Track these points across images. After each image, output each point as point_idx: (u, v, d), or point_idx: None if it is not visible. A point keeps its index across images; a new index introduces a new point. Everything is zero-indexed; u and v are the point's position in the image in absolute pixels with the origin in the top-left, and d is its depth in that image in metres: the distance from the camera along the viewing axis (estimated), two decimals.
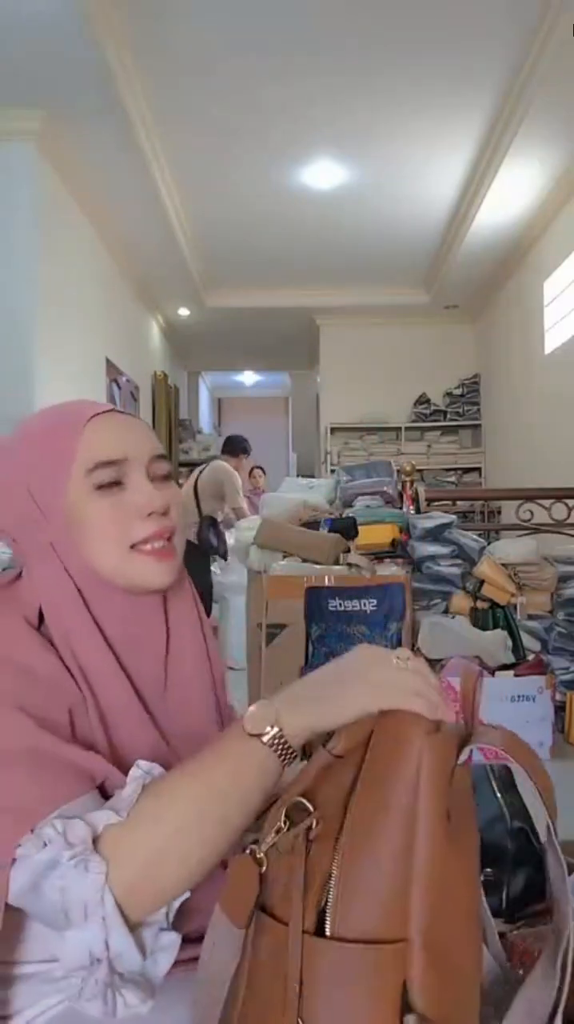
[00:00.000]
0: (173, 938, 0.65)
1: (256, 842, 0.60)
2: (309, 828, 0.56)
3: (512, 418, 6.60)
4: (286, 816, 0.58)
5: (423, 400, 7.78)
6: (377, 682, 0.64)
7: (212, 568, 4.94)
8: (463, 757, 0.62)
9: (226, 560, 4.87)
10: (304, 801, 0.57)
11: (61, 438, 0.78)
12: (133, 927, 0.61)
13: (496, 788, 1.71)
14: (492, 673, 3.11)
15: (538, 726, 2.99)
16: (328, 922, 0.54)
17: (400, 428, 7.74)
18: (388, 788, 0.56)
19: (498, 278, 6.55)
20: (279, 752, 0.64)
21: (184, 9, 3.34)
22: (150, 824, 0.63)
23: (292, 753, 0.65)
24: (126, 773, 0.68)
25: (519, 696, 2.99)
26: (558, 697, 3.21)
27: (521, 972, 0.65)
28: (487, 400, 7.49)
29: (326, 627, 3.15)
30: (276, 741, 0.64)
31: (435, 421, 7.73)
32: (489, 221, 5.40)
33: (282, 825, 0.58)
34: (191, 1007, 0.63)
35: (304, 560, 3.25)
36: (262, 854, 0.58)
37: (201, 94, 4.01)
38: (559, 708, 3.19)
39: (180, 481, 8.02)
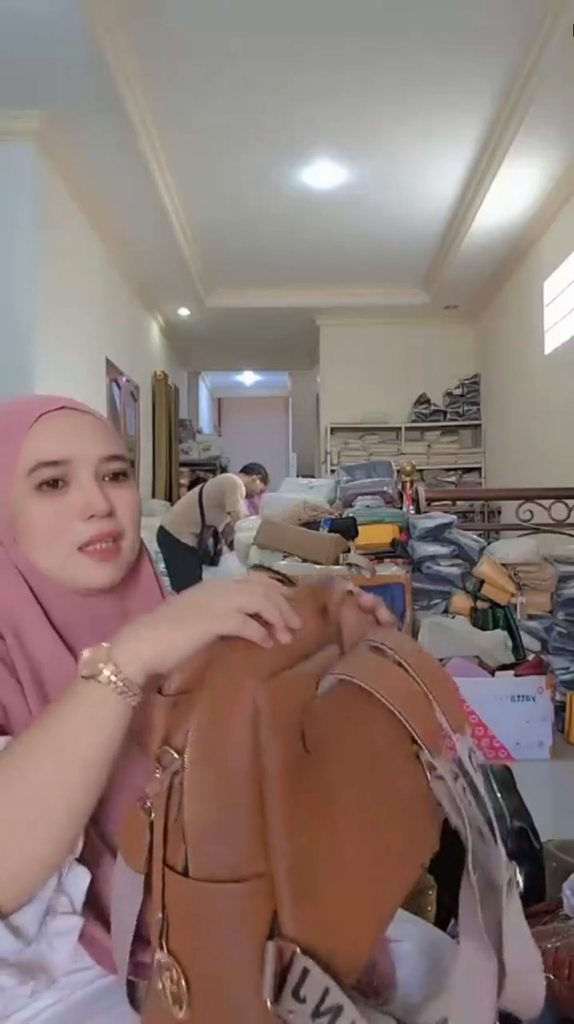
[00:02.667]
0: (74, 922, 0.64)
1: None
2: (174, 773, 0.56)
3: (512, 418, 6.60)
4: (158, 762, 0.57)
5: (423, 400, 7.78)
6: (212, 607, 0.61)
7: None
8: (324, 687, 0.61)
9: (215, 565, 4.91)
10: (169, 750, 0.56)
11: (8, 436, 0.77)
12: (4, 913, 0.59)
13: (496, 788, 1.71)
14: (492, 673, 3.11)
15: (538, 726, 2.99)
16: (190, 863, 0.55)
17: (400, 428, 7.74)
18: (221, 751, 0.56)
19: (498, 278, 6.56)
20: (119, 691, 0.60)
21: (184, 10, 3.34)
22: (2, 780, 0.59)
23: (134, 692, 0.60)
24: None
25: (519, 696, 3.00)
26: (558, 697, 3.22)
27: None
28: (487, 400, 7.49)
29: None
30: (113, 679, 0.60)
31: (435, 421, 7.73)
32: (489, 221, 5.40)
33: (158, 774, 0.57)
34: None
35: (304, 560, 3.26)
36: (149, 803, 0.57)
37: (201, 94, 4.01)
38: (559, 708, 3.20)
39: (182, 482, 8.06)
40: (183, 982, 0.54)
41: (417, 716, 0.64)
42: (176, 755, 0.56)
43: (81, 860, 0.67)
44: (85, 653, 0.61)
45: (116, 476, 0.81)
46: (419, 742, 0.63)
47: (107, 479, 0.80)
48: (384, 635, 0.70)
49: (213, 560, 4.87)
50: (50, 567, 0.77)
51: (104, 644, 0.61)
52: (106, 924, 0.66)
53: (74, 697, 0.61)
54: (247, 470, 5.29)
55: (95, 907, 0.69)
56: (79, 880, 0.66)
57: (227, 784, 0.55)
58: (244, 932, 0.54)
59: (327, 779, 0.58)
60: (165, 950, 0.55)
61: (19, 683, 0.72)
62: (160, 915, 0.56)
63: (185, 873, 0.55)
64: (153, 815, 0.57)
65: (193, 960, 0.55)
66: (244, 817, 0.55)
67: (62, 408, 0.80)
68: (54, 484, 0.77)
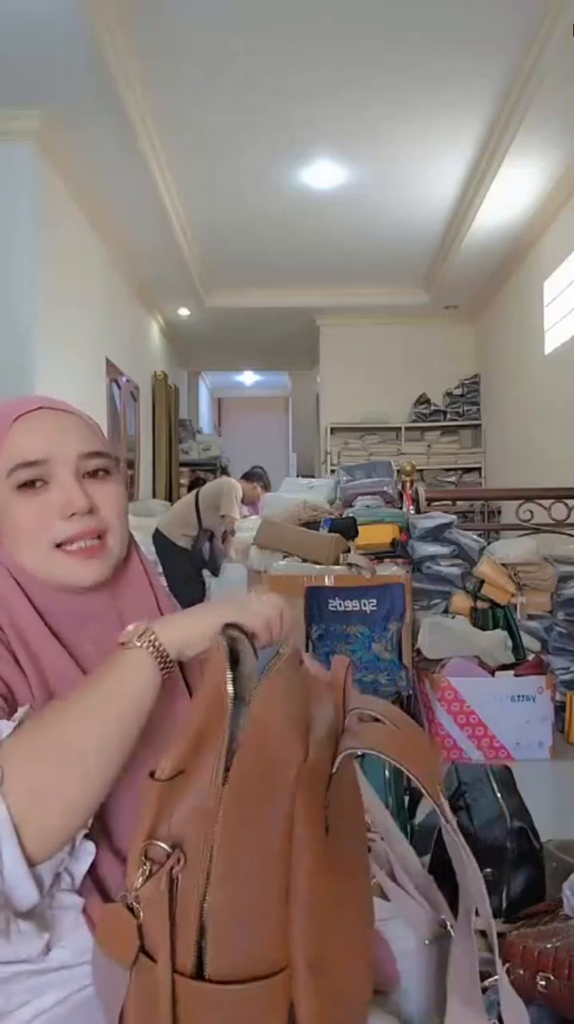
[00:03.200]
0: (74, 900, 0.65)
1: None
2: (171, 868, 0.55)
3: (512, 418, 6.60)
4: (145, 857, 0.56)
5: (423, 400, 7.78)
6: (233, 603, 0.71)
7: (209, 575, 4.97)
8: (338, 763, 0.62)
9: (216, 576, 4.90)
10: (159, 844, 0.55)
11: None
12: (33, 862, 0.60)
13: (496, 788, 1.71)
14: (492, 673, 3.11)
15: (538, 726, 2.99)
16: (206, 962, 0.53)
17: (400, 428, 7.74)
18: (260, 819, 0.55)
19: (498, 278, 6.56)
20: (155, 655, 0.67)
21: (184, 10, 3.34)
22: (38, 735, 0.62)
23: (167, 658, 0.67)
24: None
25: (519, 696, 3.00)
26: (558, 697, 3.22)
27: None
28: (487, 400, 7.49)
29: (326, 627, 3.16)
30: (150, 642, 0.67)
31: (435, 421, 7.73)
32: (489, 221, 5.40)
33: (145, 869, 0.56)
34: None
35: (304, 560, 3.26)
36: (134, 902, 0.56)
37: (201, 94, 4.01)
38: (559, 708, 3.20)
39: (182, 482, 8.06)
40: None
41: (429, 777, 0.64)
42: (169, 849, 0.55)
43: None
44: (128, 627, 0.69)
45: (97, 473, 0.81)
46: (437, 803, 0.63)
47: (88, 476, 0.80)
48: (371, 702, 0.71)
49: (214, 570, 4.86)
50: (34, 567, 0.77)
51: (144, 622, 0.69)
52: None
53: (113, 662, 0.67)
54: (249, 477, 5.25)
55: (100, 891, 0.69)
56: (85, 855, 0.67)
57: (259, 870, 0.54)
58: None
59: (339, 859, 0.58)
60: None
61: (22, 671, 0.73)
62: None
63: (198, 975, 0.53)
64: (142, 916, 0.55)
65: None
66: (272, 906, 0.53)
67: (39, 408, 0.80)
68: (33, 484, 0.77)
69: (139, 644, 0.67)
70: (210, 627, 0.67)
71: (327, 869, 0.56)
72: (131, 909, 0.56)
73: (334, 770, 0.61)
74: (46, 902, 0.63)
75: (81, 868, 0.66)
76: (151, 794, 0.58)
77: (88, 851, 0.67)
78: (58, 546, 0.77)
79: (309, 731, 0.60)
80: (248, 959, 0.53)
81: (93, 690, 0.65)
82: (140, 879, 0.56)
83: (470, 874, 0.63)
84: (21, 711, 0.65)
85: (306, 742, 0.59)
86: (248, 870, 0.54)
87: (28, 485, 0.77)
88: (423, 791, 0.61)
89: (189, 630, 0.68)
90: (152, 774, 0.59)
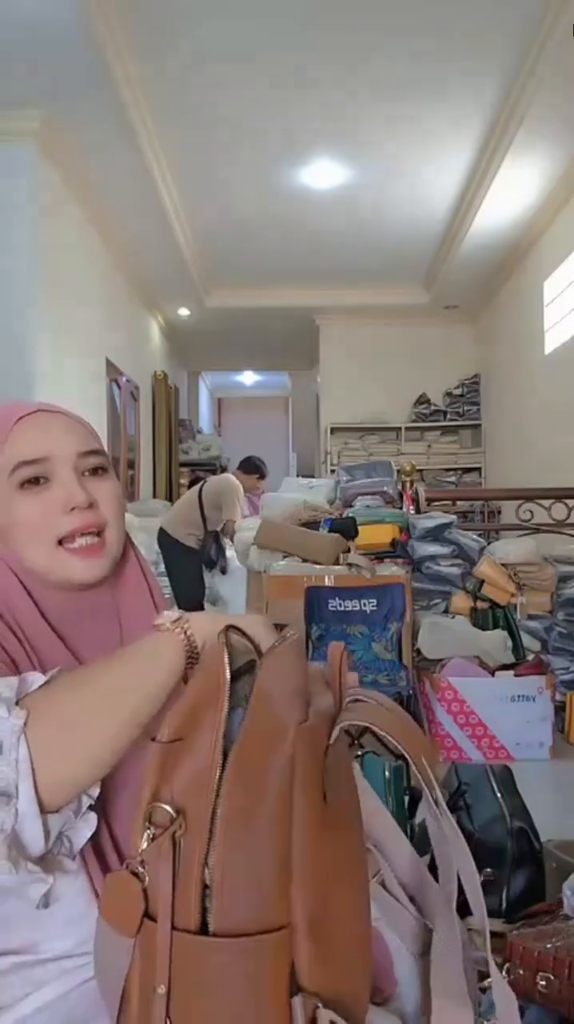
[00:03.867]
0: (71, 865, 0.67)
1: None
2: (174, 832, 0.56)
3: (512, 418, 6.60)
4: (148, 820, 0.58)
5: (423, 400, 7.78)
6: (246, 616, 0.75)
7: (211, 576, 4.97)
8: (334, 736, 0.64)
9: (224, 574, 4.91)
10: (163, 806, 0.58)
11: None
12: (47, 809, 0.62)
13: (496, 788, 1.71)
14: (492, 673, 3.11)
15: (538, 726, 2.99)
16: (210, 919, 0.54)
17: (400, 428, 7.74)
18: (260, 781, 0.56)
19: (498, 278, 6.56)
20: (182, 641, 0.71)
21: (184, 9, 3.34)
22: (66, 691, 0.66)
23: (195, 648, 0.71)
24: None
25: (519, 696, 3.00)
26: (558, 697, 3.22)
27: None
28: (487, 400, 7.49)
29: (326, 627, 3.16)
30: (182, 630, 0.71)
31: (435, 421, 7.73)
32: (489, 221, 5.40)
33: (149, 833, 0.57)
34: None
35: (304, 560, 3.26)
36: (139, 867, 0.58)
37: (201, 94, 4.01)
38: (559, 708, 3.20)
39: (182, 482, 8.06)
40: None
41: (417, 751, 0.66)
42: (173, 812, 0.57)
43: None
44: (165, 612, 0.74)
45: (95, 471, 0.84)
46: (428, 782, 0.65)
47: (87, 474, 0.83)
48: (364, 691, 0.73)
49: (223, 568, 4.86)
50: (37, 564, 0.79)
51: (178, 612, 0.74)
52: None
53: (146, 641, 0.71)
54: (246, 468, 5.23)
55: (102, 863, 0.72)
56: (86, 826, 0.68)
57: (260, 831, 0.55)
58: (266, 991, 0.53)
59: (336, 827, 0.59)
60: None
61: (26, 653, 0.76)
62: (164, 988, 0.54)
63: (201, 932, 0.54)
64: (147, 880, 0.57)
65: None
66: (274, 865, 0.55)
67: (38, 411, 0.83)
68: (35, 481, 0.80)
69: (174, 629, 0.71)
70: (219, 627, 0.71)
71: (325, 834, 0.57)
72: (136, 874, 0.58)
73: (331, 742, 0.62)
74: (49, 858, 0.65)
75: (81, 838, 0.68)
76: (153, 758, 0.61)
77: (90, 822, 0.68)
78: (60, 543, 0.79)
79: (309, 704, 0.63)
80: (250, 918, 0.54)
81: (126, 663, 0.69)
82: (145, 842, 0.57)
83: (459, 854, 0.64)
84: (53, 671, 0.68)
85: (306, 710, 0.61)
86: (249, 832, 0.55)
87: (31, 483, 0.80)
88: (413, 764, 0.63)
89: (212, 627, 0.71)
90: (153, 739, 0.62)
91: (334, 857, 0.59)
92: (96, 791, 0.68)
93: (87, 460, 0.83)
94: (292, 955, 0.54)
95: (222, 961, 0.53)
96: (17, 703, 0.63)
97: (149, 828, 0.57)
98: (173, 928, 0.55)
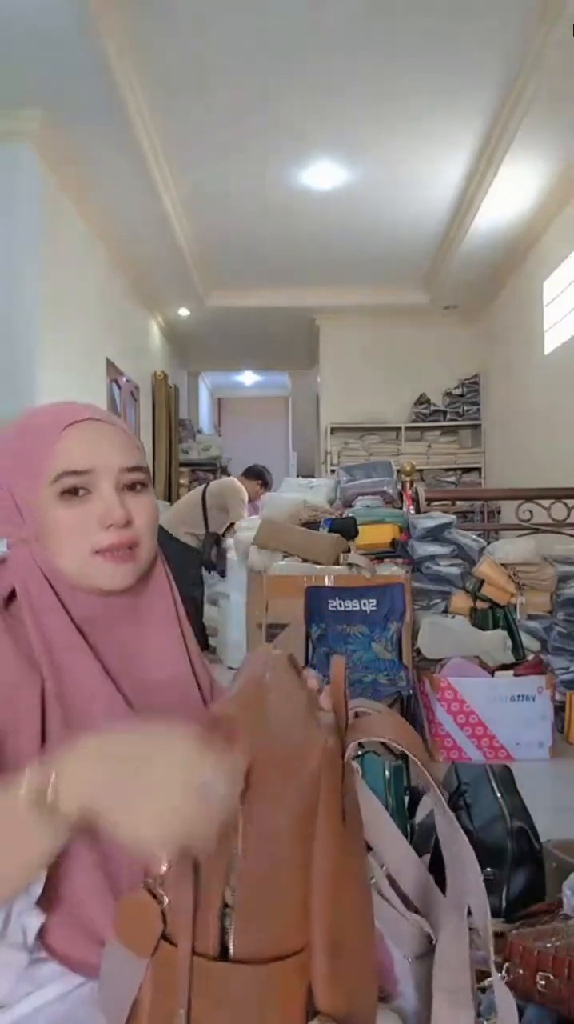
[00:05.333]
0: (19, 959, 0.66)
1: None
2: (196, 855, 0.56)
3: (512, 418, 6.60)
4: None
5: (423, 400, 7.78)
6: (167, 809, 0.53)
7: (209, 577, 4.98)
8: (349, 754, 0.64)
9: (223, 577, 4.91)
10: None
11: (39, 443, 0.81)
12: None
13: (496, 788, 1.71)
14: (492, 673, 3.12)
15: (538, 726, 2.99)
16: (231, 943, 0.54)
17: (400, 428, 7.74)
18: (282, 803, 0.55)
19: (498, 278, 6.56)
20: (49, 822, 0.55)
21: (184, 9, 3.34)
22: None
23: (65, 826, 0.56)
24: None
25: (519, 696, 3.00)
26: (558, 697, 3.22)
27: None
28: (487, 400, 7.49)
29: (326, 627, 3.16)
30: (47, 808, 0.55)
31: (435, 421, 7.73)
32: (489, 221, 5.40)
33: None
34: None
35: (304, 560, 3.26)
36: (157, 887, 0.57)
37: (201, 94, 4.01)
38: (559, 708, 3.20)
39: (182, 482, 8.06)
40: None
41: (415, 747, 0.67)
42: None
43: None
44: (28, 771, 0.56)
45: (135, 486, 0.84)
46: (436, 787, 0.66)
47: (126, 489, 0.84)
48: (361, 703, 0.73)
49: (221, 572, 4.87)
50: (69, 569, 0.80)
51: (51, 764, 0.56)
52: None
53: (5, 812, 0.56)
54: (249, 475, 5.22)
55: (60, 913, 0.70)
56: (32, 921, 0.67)
57: (283, 853, 0.55)
58: (285, 1014, 0.52)
59: (352, 848, 0.60)
60: None
61: (38, 671, 0.75)
62: (183, 1011, 0.53)
63: (222, 956, 0.54)
64: (165, 901, 0.56)
65: None
66: (295, 889, 0.54)
67: (89, 419, 0.83)
68: (76, 492, 0.80)
69: (36, 802, 0.54)
70: (122, 835, 0.54)
71: (345, 856, 0.58)
72: (154, 895, 0.57)
73: (345, 760, 0.62)
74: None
75: (31, 931, 0.66)
76: None
77: (34, 918, 0.67)
78: (95, 553, 0.81)
79: (319, 725, 0.63)
80: (269, 941, 0.54)
81: None
82: (165, 865, 0.57)
83: (465, 855, 0.64)
84: None
85: (322, 732, 0.61)
86: (271, 855, 0.55)
87: (71, 492, 0.80)
88: (415, 761, 0.63)
89: (101, 799, 0.54)
90: None
91: (348, 878, 0.59)
92: (37, 890, 0.66)
93: (129, 476, 0.83)
94: (309, 977, 0.54)
95: (242, 985, 0.53)
96: None
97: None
98: (194, 952, 0.54)
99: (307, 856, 0.55)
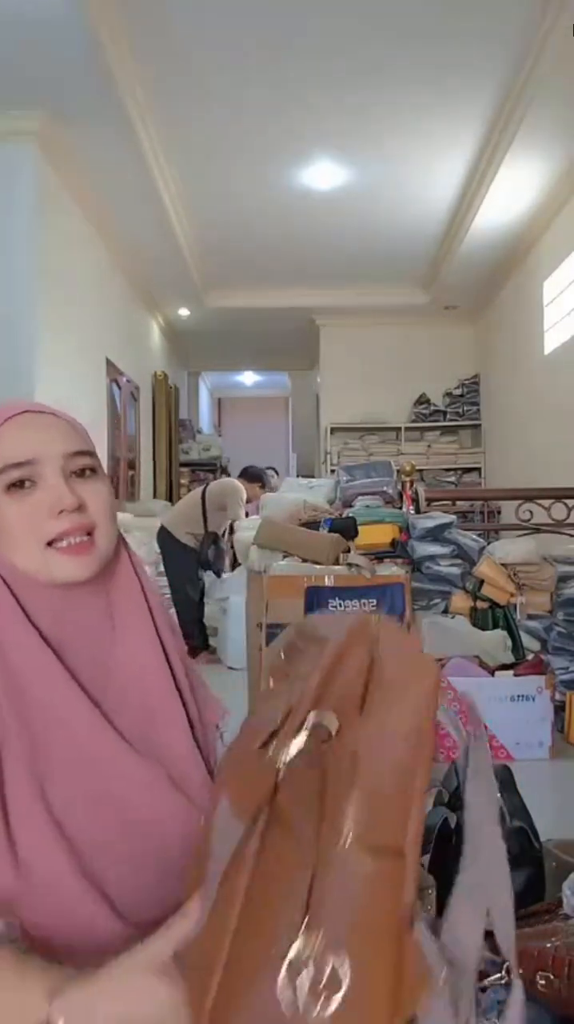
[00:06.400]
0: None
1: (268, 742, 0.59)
2: (324, 740, 0.56)
3: (512, 418, 6.60)
4: (302, 728, 0.57)
5: (423, 400, 7.79)
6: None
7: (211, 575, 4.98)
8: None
9: (219, 577, 4.91)
10: (322, 723, 0.57)
11: None
12: None
13: (496, 788, 1.71)
14: (492, 673, 3.12)
15: (538, 726, 3.00)
16: (350, 833, 0.54)
17: (400, 428, 7.74)
18: (405, 705, 0.58)
19: (498, 278, 6.56)
20: None
21: (184, 9, 3.34)
22: None
23: None
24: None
25: (519, 696, 3.00)
26: (558, 697, 3.22)
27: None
28: (487, 400, 7.50)
29: None
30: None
31: (435, 421, 7.74)
32: (489, 221, 5.40)
33: (301, 736, 0.57)
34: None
35: (304, 560, 3.26)
36: (281, 763, 0.57)
37: (201, 94, 4.01)
38: (559, 708, 3.20)
39: (182, 482, 8.06)
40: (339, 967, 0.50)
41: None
42: (327, 724, 0.57)
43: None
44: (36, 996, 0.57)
45: (83, 472, 0.82)
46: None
47: (75, 475, 0.82)
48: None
49: (218, 572, 4.87)
50: (27, 566, 0.78)
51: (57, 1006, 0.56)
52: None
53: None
54: (248, 476, 5.19)
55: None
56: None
57: (402, 745, 0.57)
58: (396, 910, 0.52)
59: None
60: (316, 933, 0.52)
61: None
62: (309, 881, 0.52)
63: (336, 842, 0.54)
64: (281, 774, 0.56)
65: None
66: (401, 783, 0.55)
67: (24, 412, 0.82)
68: (22, 484, 0.79)
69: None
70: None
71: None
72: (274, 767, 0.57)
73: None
74: None
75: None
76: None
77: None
78: (49, 544, 0.79)
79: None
80: (380, 839, 0.54)
81: None
82: (292, 744, 0.57)
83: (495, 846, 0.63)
84: None
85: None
86: (392, 760, 0.57)
87: (17, 486, 0.79)
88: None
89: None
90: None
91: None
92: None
93: (75, 461, 0.81)
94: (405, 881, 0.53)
95: (359, 872, 0.53)
96: None
97: (301, 732, 0.57)
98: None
99: (414, 760, 0.56)
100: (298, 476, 7.68)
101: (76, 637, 0.80)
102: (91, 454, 0.84)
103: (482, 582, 3.44)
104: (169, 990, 0.56)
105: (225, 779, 0.62)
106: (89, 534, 0.80)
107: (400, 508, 3.90)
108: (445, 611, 3.49)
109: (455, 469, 7.58)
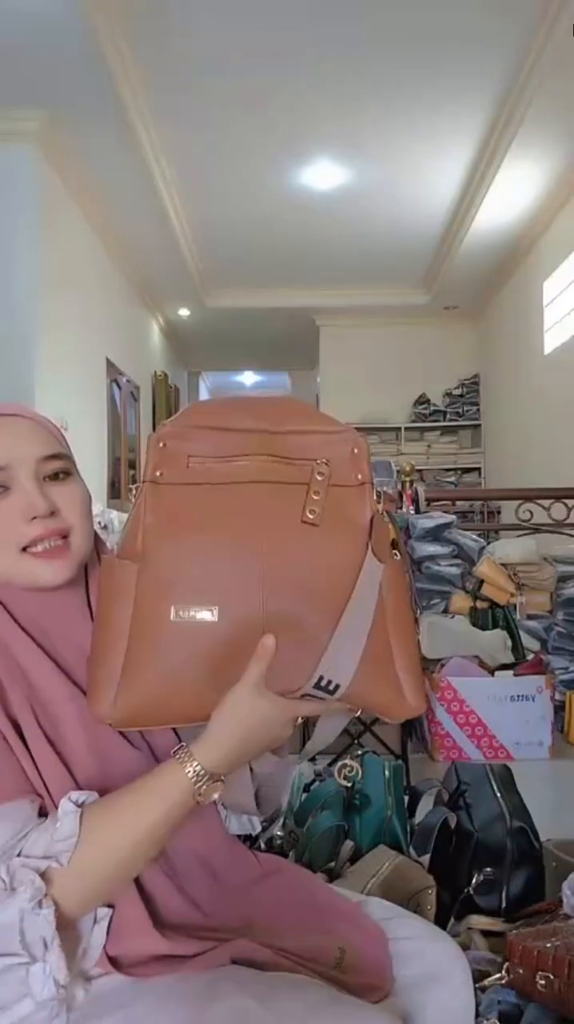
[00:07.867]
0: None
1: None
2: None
3: (512, 418, 6.60)
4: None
5: (423, 400, 7.79)
6: (271, 730, 0.75)
7: None
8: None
9: None
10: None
11: None
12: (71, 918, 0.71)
13: (496, 788, 1.71)
14: (492, 673, 3.11)
15: (538, 726, 2.99)
16: None
17: (400, 428, 7.74)
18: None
19: (498, 278, 6.56)
20: (192, 777, 0.73)
21: (184, 9, 3.34)
22: (93, 873, 0.71)
23: (204, 776, 0.73)
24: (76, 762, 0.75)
25: (519, 696, 3.00)
26: (558, 697, 3.22)
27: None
28: (487, 400, 7.50)
29: None
30: (192, 768, 0.73)
31: (435, 421, 7.74)
32: (489, 221, 5.40)
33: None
34: None
35: None
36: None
37: (201, 94, 4.01)
38: (559, 708, 3.20)
39: None
40: None
41: None
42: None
43: None
44: (183, 760, 0.74)
45: (57, 475, 0.82)
46: None
47: (48, 479, 0.81)
48: None
49: None
50: (3, 571, 0.79)
51: (195, 757, 0.73)
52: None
53: (154, 775, 0.74)
54: None
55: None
56: (101, 933, 0.74)
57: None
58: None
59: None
60: None
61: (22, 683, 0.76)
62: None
63: None
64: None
65: None
66: None
67: None
68: None
69: (179, 763, 0.73)
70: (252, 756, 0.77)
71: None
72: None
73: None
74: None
75: (98, 944, 0.74)
76: None
77: (103, 930, 0.75)
78: (24, 549, 0.79)
79: None
80: None
81: (133, 804, 0.72)
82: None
83: None
84: (64, 833, 0.70)
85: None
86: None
87: None
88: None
89: (235, 762, 0.76)
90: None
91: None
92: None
93: (48, 465, 0.81)
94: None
95: None
96: (44, 873, 0.68)
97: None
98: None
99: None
100: None
101: (56, 636, 0.80)
102: (66, 457, 0.84)
103: (482, 582, 3.44)
104: (266, 701, 0.73)
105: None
106: (64, 537, 0.80)
107: (400, 508, 3.90)
108: (445, 611, 3.49)
109: (455, 469, 7.58)
